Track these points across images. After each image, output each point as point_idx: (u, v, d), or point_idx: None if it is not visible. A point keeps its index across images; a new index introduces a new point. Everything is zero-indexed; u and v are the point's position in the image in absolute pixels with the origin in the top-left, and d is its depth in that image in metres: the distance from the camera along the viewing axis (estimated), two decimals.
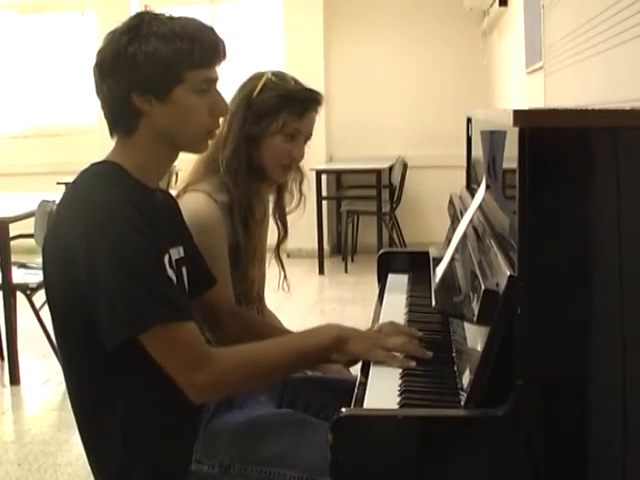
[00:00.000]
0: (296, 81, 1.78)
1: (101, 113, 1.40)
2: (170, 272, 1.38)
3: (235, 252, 1.72)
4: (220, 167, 1.71)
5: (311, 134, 1.79)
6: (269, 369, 1.38)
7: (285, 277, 1.97)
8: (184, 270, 1.46)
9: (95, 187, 1.33)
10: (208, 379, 1.28)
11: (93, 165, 1.38)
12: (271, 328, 1.74)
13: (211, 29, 1.38)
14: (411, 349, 1.37)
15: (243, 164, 1.71)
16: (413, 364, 1.33)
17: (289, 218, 1.91)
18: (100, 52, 1.36)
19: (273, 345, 1.40)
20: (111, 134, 1.40)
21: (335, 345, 1.38)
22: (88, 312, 1.26)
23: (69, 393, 1.40)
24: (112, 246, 1.24)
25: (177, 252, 1.44)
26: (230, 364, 1.32)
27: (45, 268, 1.36)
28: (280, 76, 1.76)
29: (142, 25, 1.33)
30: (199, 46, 1.33)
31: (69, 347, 1.37)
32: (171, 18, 1.36)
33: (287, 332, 1.74)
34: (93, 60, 1.37)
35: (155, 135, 1.36)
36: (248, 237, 1.73)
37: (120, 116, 1.36)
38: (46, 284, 1.36)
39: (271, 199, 1.89)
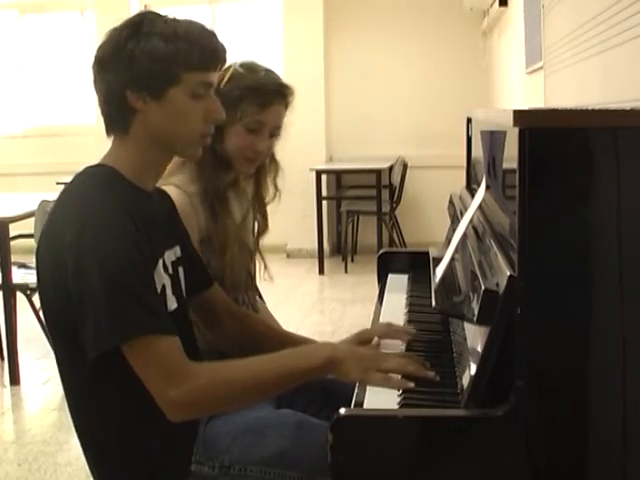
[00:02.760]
0: (267, 72, 1.76)
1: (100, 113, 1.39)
2: (165, 275, 1.37)
3: (209, 241, 1.71)
4: None
5: (278, 128, 1.76)
6: (252, 388, 1.32)
7: (266, 267, 1.95)
8: (181, 271, 1.45)
9: (88, 192, 1.31)
10: (181, 395, 1.23)
11: (87, 168, 1.36)
12: (269, 329, 1.74)
13: (213, 34, 1.36)
14: (410, 370, 1.30)
15: (207, 151, 1.68)
16: (411, 385, 1.25)
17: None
18: (100, 47, 1.35)
19: (258, 363, 1.33)
20: (107, 133, 1.39)
21: (326, 367, 1.32)
22: (76, 318, 1.25)
23: (65, 393, 1.39)
24: (101, 254, 1.23)
25: (173, 253, 1.43)
26: (206, 382, 1.26)
27: (38, 271, 1.34)
28: (248, 67, 1.75)
29: (143, 23, 1.32)
30: (198, 49, 1.32)
31: (64, 349, 1.36)
32: (174, 20, 1.35)
33: (284, 332, 1.74)
34: (93, 56, 1.36)
35: (148, 135, 1.34)
36: (216, 224, 1.72)
37: (115, 113, 1.35)
38: (39, 287, 1.35)
39: (249, 191, 1.89)
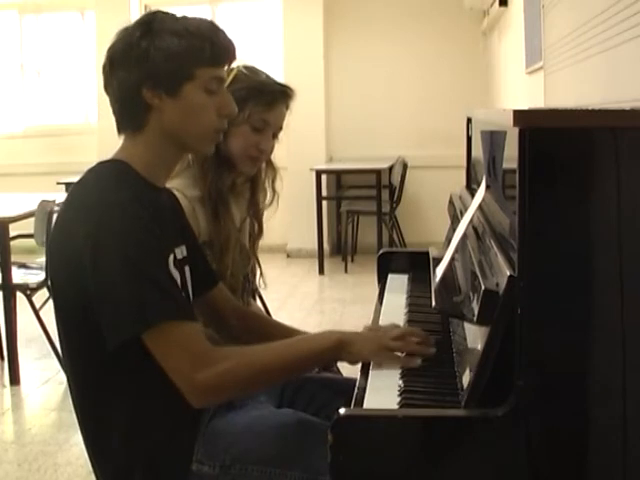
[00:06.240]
0: (268, 76, 1.79)
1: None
2: (175, 272, 1.38)
3: (210, 244, 1.71)
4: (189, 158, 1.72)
5: (280, 128, 1.79)
6: (270, 371, 1.36)
7: (262, 274, 1.96)
8: (187, 270, 1.46)
9: (102, 186, 1.33)
10: (208, 379, 1.26)
11: (100, 163, 1.38)
12: (274, 327, 1.74)
13: (221, 30, 1.39)
14: (414, 349, 1.37)
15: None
16: (419, 362, 1.34)
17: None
18: (111, 47, 1.36)
19: (275, 347, 1.38)
20: (119, 131, 1.40)
21: (337, 348, 1.37)
22: (93, 312, 1.26)
23: (71, 391, 1.40)
24: (119, 245, 1.24)
25: (180, 252, 1.44)
26: (231, 365, 1.29)
27: (50, 267, 1.36)
28: (251, 69, 1.78)
29: (154, 22, 1.34)
30: (211, 44, 1.34)
31: (73, 347, 1.37)
32: (184, 17, 1.37)
33: (291, 331, 1.74)
34: (103, 57, 1.37)
35: (163, 132, 1.36)
36: (218, 227, 1.72)
37: (130, 111, 1.36)
38: (51, 283, 1.37)
39: (246, 196, 1.89)
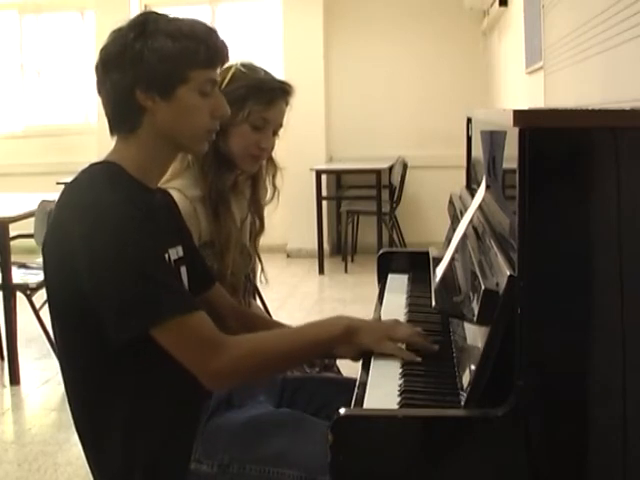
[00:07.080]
0: (266, 72, 1.79)
1: (101, 113, 1.40)
2: None
3: (211, 244, 1.72)
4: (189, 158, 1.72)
5: (281, 125, 1.79)
6: (282, 357, 1.38)
7: (262, 269, 1.96)
8: (183, 270, 1.46)
9: (95, 188, 1.32)
10: (223, 365, 1.28)
11: (92, 165, 1.38)
12: (276, 327, 1.74)
13: (215, 31, 1.39)
14: (418, 341, 1.40)
15: (210, 153, 1.68)
16: (419, 359, 1.35)
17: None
18: (104, 48, 1.36)
19: (285, 334, 1.42)
20: (111, 133, 1.40)
21: (345, 335, 1.39)
22: (91, 312, 1.26)
23: (67, 392, 1.40)
24: (116, 245, 1.24)
25: (176, 252, 1.44)
26: (244, 350, 1.32)
27: (45, 269, 1.36)
28: (249, 67, 1.77)
29: (148, 23, 1.34)
30: (204, 46, 1.34)
31: (71, 349, 1.37)
32: (177, 19, 1.37)
33: (286, 327, 1.74)
34: (96, 58, 1.37)
35: (157, 133, 1.36)
36: (219, 227, 1.72)
37: (123, 113, 1.36)
38: (47, 284, 1.37)
39: (247, 193, 1.89)
